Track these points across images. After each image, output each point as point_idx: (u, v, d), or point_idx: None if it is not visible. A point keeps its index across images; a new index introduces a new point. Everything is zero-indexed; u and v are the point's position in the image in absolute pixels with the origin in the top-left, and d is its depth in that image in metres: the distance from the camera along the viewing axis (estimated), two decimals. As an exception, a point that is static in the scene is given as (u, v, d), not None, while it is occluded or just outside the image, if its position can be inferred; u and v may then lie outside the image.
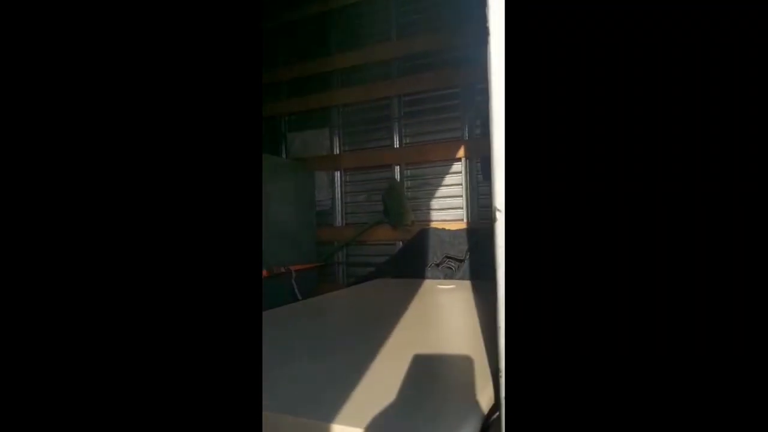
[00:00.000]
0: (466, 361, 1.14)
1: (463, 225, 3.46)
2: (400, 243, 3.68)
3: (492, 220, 0.67)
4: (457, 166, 3.51)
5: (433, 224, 3.55)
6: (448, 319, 1.99)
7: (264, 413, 0.79)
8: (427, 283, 2.86)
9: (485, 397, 0.90)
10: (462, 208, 3.51)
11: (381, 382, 1.02)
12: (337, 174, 3.94)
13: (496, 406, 0.85)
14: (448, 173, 3.57)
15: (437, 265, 3.26)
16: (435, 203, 3.63)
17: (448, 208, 3.57)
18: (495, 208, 0.66)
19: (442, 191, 3.60)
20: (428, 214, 3.64)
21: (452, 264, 3.25)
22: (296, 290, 3.40)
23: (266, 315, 1.79)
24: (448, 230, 3.41)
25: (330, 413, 0.84)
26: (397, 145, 3.72)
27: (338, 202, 3.95)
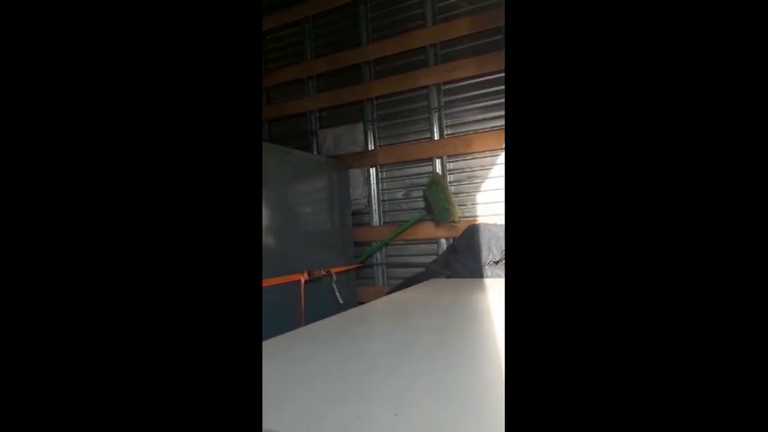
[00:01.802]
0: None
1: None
2: (443, 241, 3.72)
3: None
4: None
5: (480, 219, 3.55)
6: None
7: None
8: (493, 283, 2.83)
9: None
10: (512, 202, 3.50)
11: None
12: (373, 170, 4.01)
13: None
14: (495, 164, 3.56)
15: (496, 262, 3.26)
16: (481, 197, 3.63)
17: (495, 201, 3.56)
18: None
19: (489, 184, 3.60)
20: (474, 209, 3.65)
21: None
22: (337, 293, 3.51)
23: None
24: (501, 225, 3.38)
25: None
26: (437, 137, 3.76)
27: (374, 200, 4.01)
